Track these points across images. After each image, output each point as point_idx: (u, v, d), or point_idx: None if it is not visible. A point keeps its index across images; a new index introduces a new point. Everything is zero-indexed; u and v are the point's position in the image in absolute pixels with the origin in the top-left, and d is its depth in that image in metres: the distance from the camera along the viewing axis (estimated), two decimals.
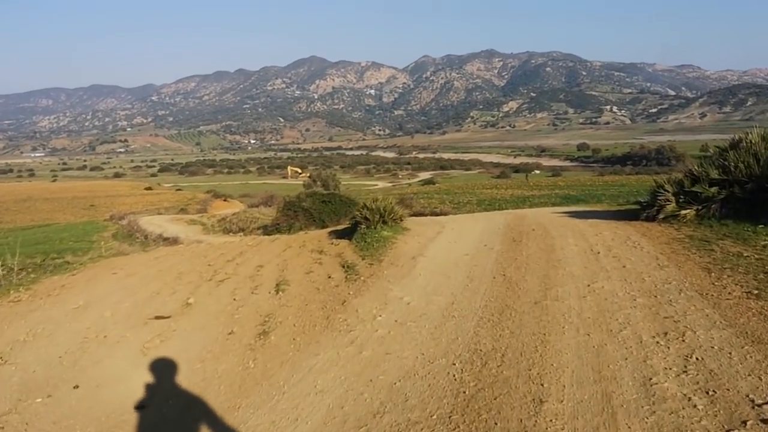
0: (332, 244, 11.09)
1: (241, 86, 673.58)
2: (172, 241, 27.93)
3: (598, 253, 8.31)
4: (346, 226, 13.48)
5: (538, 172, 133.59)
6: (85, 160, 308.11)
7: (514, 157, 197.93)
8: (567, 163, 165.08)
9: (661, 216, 10.16)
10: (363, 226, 11.41)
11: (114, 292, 8.44)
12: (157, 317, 6.87)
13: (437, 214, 39.78)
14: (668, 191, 10.25)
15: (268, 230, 32.23)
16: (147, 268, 10.28)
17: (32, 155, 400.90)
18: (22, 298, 8.37)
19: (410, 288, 7.28)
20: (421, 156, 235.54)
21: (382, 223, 11.36)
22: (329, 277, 8.24)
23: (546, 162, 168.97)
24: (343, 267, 8.75)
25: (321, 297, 7.28)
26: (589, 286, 6.60)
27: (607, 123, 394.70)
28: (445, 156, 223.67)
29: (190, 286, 8.49)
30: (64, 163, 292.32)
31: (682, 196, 10.06)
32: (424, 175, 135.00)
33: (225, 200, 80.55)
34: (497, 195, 51.00)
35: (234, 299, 7.55)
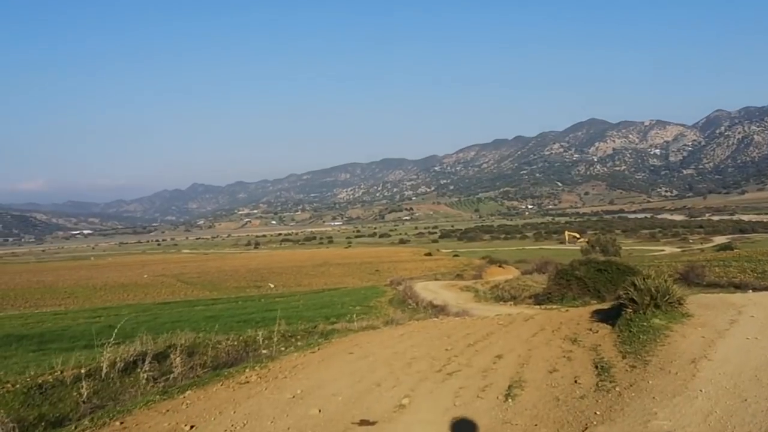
0: (590, 330, 9.55)
1: (519, 152, 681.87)
2: (440, 309, 28.09)
3: None
4: (613, 304, 11.66)
5: None
6: (375, 228, 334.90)
7: None
8: None
9: None
10: (629, 311, 9.57)
11: (337, 378, 8.03)
12: (362, 422, 6.15)
13: (737, 286, 34.95)
14: None
15: (539, 299, 30.84)
16: (383, 349, 9.90)
17: (332, 224, 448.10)
18: (251, 380, 8.31)
19: (684, 414, 5.26)
20: (715, 218, 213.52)
21: (654, 308, 9.39)
22: (575, 381, 6.73)
23: None
24: (597, 367, 7.20)
25: (557, 414, 5.80)
26: None
27: None
28: (745, 218, 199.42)
29: (415, 377, 7.74)
30: (358, 231, 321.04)
31: None
32: (720, 240, 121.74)
33: (500, 266, 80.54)
34: None
35: (454, 404, 6.50)
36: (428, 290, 43.24)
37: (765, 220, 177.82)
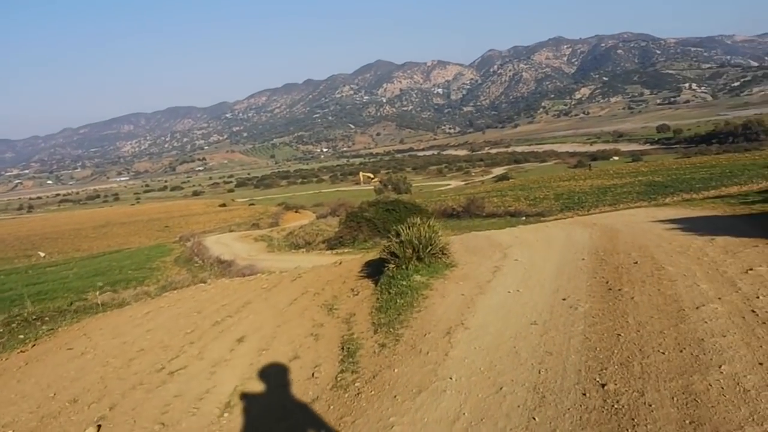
0: (352, 292, 8.64)
1: (310, 96, 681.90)
2: (227, 265, 26.82)
3: None
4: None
5: (616, 158, 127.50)
6: (165, 181, 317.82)
7: (591, 145, 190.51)
8: (647, 147, 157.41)
9: None
10: (391, 266, 8.72)
11: (27, 396, 6.14)
12: None
13: (512, 215, 37.28)
14: None
15: (331, 244, 30.48)
16: (112, 338, 8.25)
17: (117, 180, 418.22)
18: None
19: (426, 422, 4.14)
20: (493, 151, 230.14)
21: (416, 261, 8.67)
22: (313, 374, 5.57)
23: (624, 147, 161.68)
24: (343, 349, 6.15)
25: None
26: None
27: (687, 102, 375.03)
28: (519, 149, 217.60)
29: (129, 382, 6.11)
30: (147, 186, 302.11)
31: None
32: (498, 171, 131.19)
33: (297, 212, 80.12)
34: (576, 187, 47.79)
35: (157, 425, 4.98)
36: (220, 243, 41.46)
37: (536, 150, 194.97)
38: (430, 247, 8.78)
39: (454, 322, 6.24)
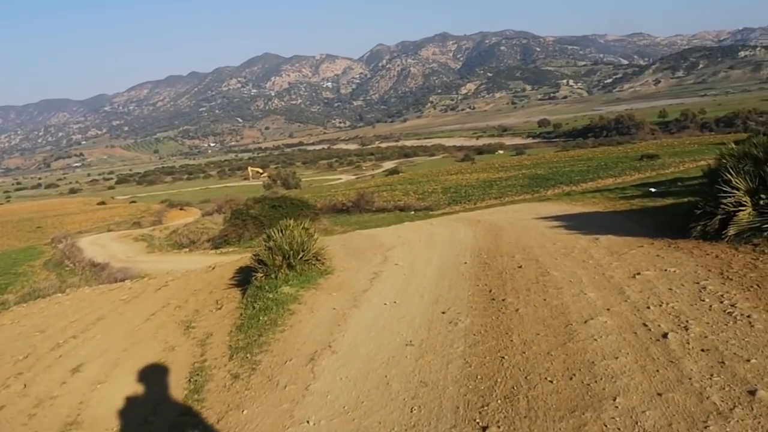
0: (216, 304, 7.87)
1: (196, 89, 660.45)
2: (101, 268, 25.17)
3: (665, 337, 4.33)
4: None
5: (501, 152, 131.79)
6: (39, 178, 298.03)
7: (477, 139, 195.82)
8: (530, 141, 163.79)
9: (731, 232, 6.33)
10: (259, 275, 7.98)
11: None
12: None
13: (402, 209, 37.35)
14: (739, 187, 6.32)
15: (216, 243, 29.40)
16: None
17: None
18: None
19: None
20: (383, 146, 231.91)
21: (287, 268, 7.95)
22: (146, 420, 4.69)
23: (509, 141, 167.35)
24: (190, 381, 5.33)
25: None
26: None
27: (565, 97, 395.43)
28: (408, 143, 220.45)
29: None
30: (18, 183, 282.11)
31: (763, 196, 6.15)
32: (388, 165, 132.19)
33: (181, 209, 77.28)
34: (463, 181, 48.69)
35: None
36: (97, 245, 39.08)
37: (424, 144, 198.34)
38: (302, 254, 8.10)
39: (321, 344, 5.58)
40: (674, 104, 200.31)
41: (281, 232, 8.46)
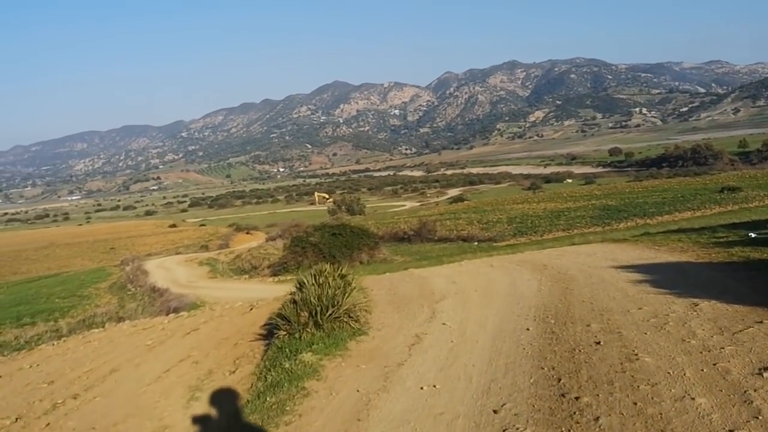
0: (235, 364, 7.09)
1: (268, 116, 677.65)
2: (160, 294, 25.12)
3: None
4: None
5: (570, 181, 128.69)
6: (118, 200, 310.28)
7: (545, 167, 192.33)
8: (600, 170, 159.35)
9: None
10: (282, 333, 7.04)
11: None
12: None
13: (464, 239, 36.32)
14: None
15: (275, 270, 29.14)
16: None
17: (69, 199, 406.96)
18: None
19: None
20: (449, 173, 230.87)
21: (314, 326, 6.93)
22: None
23: (578, 170, 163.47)
24: None
25: None
26: None
27: (638, 125, 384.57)
28: (474, 171, 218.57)
29: None
30: (99, 205, 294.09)
31: None
32: (453, 192, 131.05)
33: (248, 233, 78.37)
34: (529, 210, 47.40)
35: None
36: (163, 268, 39.70)
37: (490, 172, 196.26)
38: (332, 309, 7.00)
39: None
40: (755, 134, 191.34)
41: (315, 278, 7.52)
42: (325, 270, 7.88)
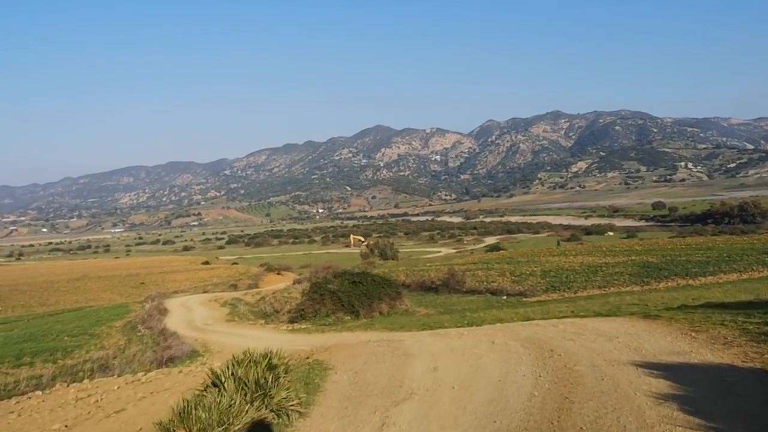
0: None
1: (310, 157, 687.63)
2: (165, 338, 24.54)
3: None
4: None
5: (611, 233, 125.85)
6: (159, 234, 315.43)
7: (585, 219, 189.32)
8: (642, 223, 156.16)
9: None
10: None
11: None
12: None
13: (493, 292, 34.91)
14: None
15: (293, 317, 28.09)
16: None
17: (112, 231, 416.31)
18: None
19: None
20: (487, 220, 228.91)
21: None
22: None
23: (619, 222, 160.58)
24: None
25: None
26: None
27: (683, 180, 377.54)
28: (513, 219, 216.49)
29: None
30: (140, 238, 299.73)
31: None
32: (490, 240, 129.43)
33: (279, 273, 77.82)
34: (565, 264, 45.79)
35: None
36: (184, 307, 39.14)
37: (529, 221, 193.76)
38: (272, 396, 5.39)
39: None
40: None
41: (232, 370, 5.84)
42: (254, 357, 6.41)
